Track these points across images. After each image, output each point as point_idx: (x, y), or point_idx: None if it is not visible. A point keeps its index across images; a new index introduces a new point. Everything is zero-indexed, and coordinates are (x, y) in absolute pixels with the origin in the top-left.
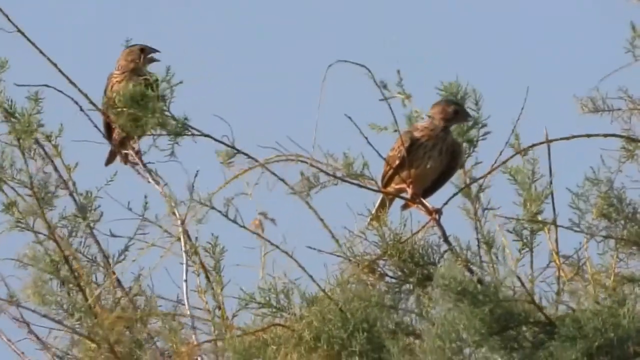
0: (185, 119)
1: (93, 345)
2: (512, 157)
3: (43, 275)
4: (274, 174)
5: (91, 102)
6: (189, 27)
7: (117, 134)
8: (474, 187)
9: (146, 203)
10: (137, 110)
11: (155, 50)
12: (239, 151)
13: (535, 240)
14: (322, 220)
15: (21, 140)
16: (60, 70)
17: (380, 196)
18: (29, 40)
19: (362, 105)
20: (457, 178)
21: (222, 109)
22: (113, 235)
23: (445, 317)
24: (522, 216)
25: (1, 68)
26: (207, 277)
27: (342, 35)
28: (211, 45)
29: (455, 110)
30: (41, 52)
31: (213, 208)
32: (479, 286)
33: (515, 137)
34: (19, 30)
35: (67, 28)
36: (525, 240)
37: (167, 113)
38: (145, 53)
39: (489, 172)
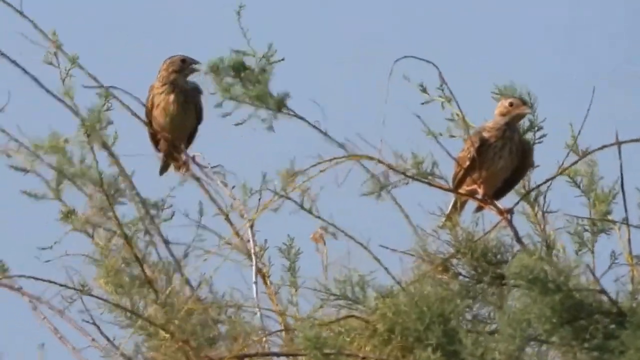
0: (286, 94)
1: (166, 336)
2: (580, 159)
3: (116, 263)
4: (369, 171)
5: (135, 115)
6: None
7: (163, 145)
8: (533, 191)
9: (201, 209)
10: (237, 80)
11: (195, 62)
12: (331, 138)
13: (597, 242)
14: (407, 217)
15: (90, 137)
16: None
17: (452, 198)
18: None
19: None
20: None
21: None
22: (169, 242)
23: (515, 306)
24: (592, 216)
25: (72, 63)
26: (267, 280)
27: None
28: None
29: (510, 102)
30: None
31: (288, 198)
32: (549, 275)
33: (572, 139)
34: (59, 49)
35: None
36: (585, 241)
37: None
38: (186, 64)
39: (558, 174)
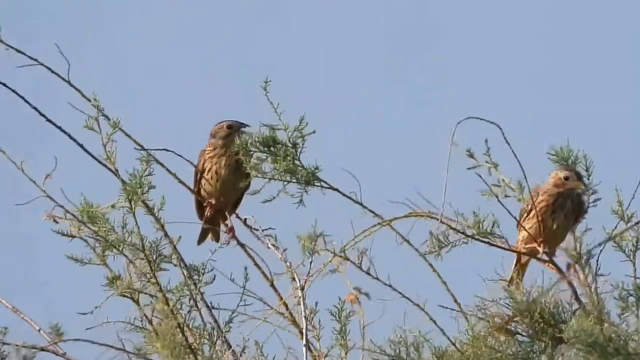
0: (316, 168)
1: None
2: (628, 228)
3: (172, 326)
4: (399, 234)
5: (181, 182)
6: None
7: (208, 212)
8: (584, 254)
9: (247, 274)
10: (268, 155)
11: (243, 125)
12: (366, 208)
13: None
14: (445, 283)
15: (132, 202)
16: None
17: (514, 261)
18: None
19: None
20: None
21: (350, 163)
22: (214, 308)
23: None
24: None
25: (114, 128)
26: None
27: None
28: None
29: (565, 176)
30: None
31: (347, 259)
32: (608, 338)
33: (619, 204)
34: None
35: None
36: (629, 305)
37: (297, 161)
38: (232, 129)
39: (609, 239)
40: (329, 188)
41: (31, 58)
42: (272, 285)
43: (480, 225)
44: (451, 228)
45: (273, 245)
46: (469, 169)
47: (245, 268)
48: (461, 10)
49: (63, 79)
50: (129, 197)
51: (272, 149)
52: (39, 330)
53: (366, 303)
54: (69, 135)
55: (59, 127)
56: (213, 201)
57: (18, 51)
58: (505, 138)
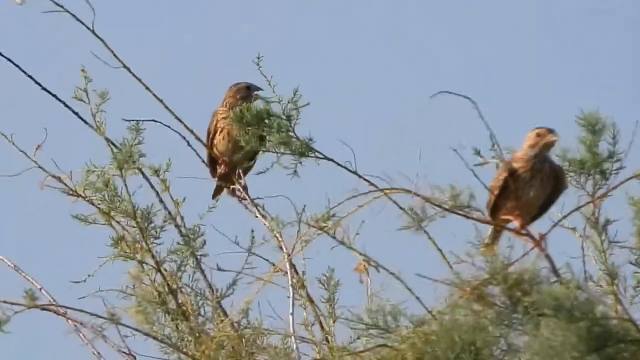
0: (310, 139)
1: None
2: None
3: (147, 295)
4: (400, 206)
5: (197, 138)
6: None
7: (221, 169)
8: (602, 220)
9: (253, 237)
10: (262, 127)
11: (258, 89)
12: (361, 177)
13: None
14: (440, 250)
15: (123, 171)
16: (165, 106)
17: (489, 228)
18: (134, 75)
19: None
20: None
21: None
22: (219, 269)
23: (541, 334)
24: None
25: (102, 99)
26: (315, 311)
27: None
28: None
29: (537, 133)
30: (147, 87)
31: (322, 229)
32: (575, 303)
33: None
34: (125, 66)
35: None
36: None
37: (291, 133)
38: (250, 91)
39: (605, 194)
40: (323, 158)
41: (57, 4)
42: (280, 247)
43: (457, 198)
44: (428, 202)
45: (261, 214)
46: (475, 165)
47: (252, 230)
48: None
49: (88, 27)
50: (120, 167)
51: (266, 121)
52: (41, 289)
53: (344, 274)
54: (64, 103)
55: (54, 95)
56: (227, 159)
57: None
58: (479, 112)
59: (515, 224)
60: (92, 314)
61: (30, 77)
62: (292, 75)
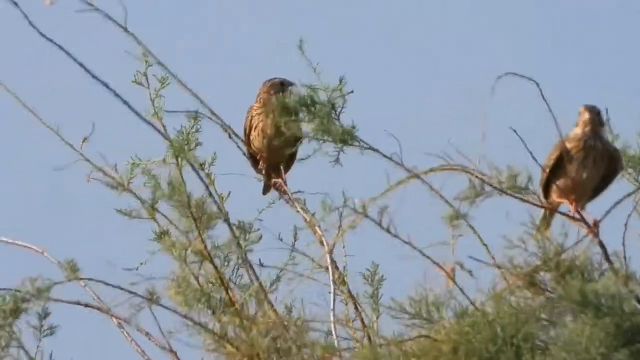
0: (353, 127)
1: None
2: None
3: (187, 274)
4: (430, 186)
5: (235, 134)
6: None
7: (261, 165)
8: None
9: (296, 234)
10: (307, 115)
11: (292, 84)
12: (403, 166)
13: None
14: (479, 236)
15: (179, 159)
16: (202, 102)
17: (542, 212)
18: (170, 72)
19: (527, 119)
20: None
21: (389, 123)
22: (262, 265)
23: (569, 330)
24: None
25: (162, 84)
26: (356, 307)
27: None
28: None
29: (579, 112)
30: (183, 84)
31: (367, 216)
32: (602, 298)
33: None
34: (160, 63)
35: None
36: None
37: (335, 121)
38: (284, 87)
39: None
40: (367, 148)
41: (88, 4)
42: (321, 242)
43: (514, 180)
44: (485, 182)
45: (302, 209)
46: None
47: (295, 227)
48: None
49: (120, 25)
50: (176, 154)
51: (310, 109)
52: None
53: (387, 261)
54: (115, 93)
55: (106, 85)
56: (265, 155)
57: None
58: (542, 95)
59: (570, 208)
60: (131, 292)
61: (84, 66)
62: (292, 75)
